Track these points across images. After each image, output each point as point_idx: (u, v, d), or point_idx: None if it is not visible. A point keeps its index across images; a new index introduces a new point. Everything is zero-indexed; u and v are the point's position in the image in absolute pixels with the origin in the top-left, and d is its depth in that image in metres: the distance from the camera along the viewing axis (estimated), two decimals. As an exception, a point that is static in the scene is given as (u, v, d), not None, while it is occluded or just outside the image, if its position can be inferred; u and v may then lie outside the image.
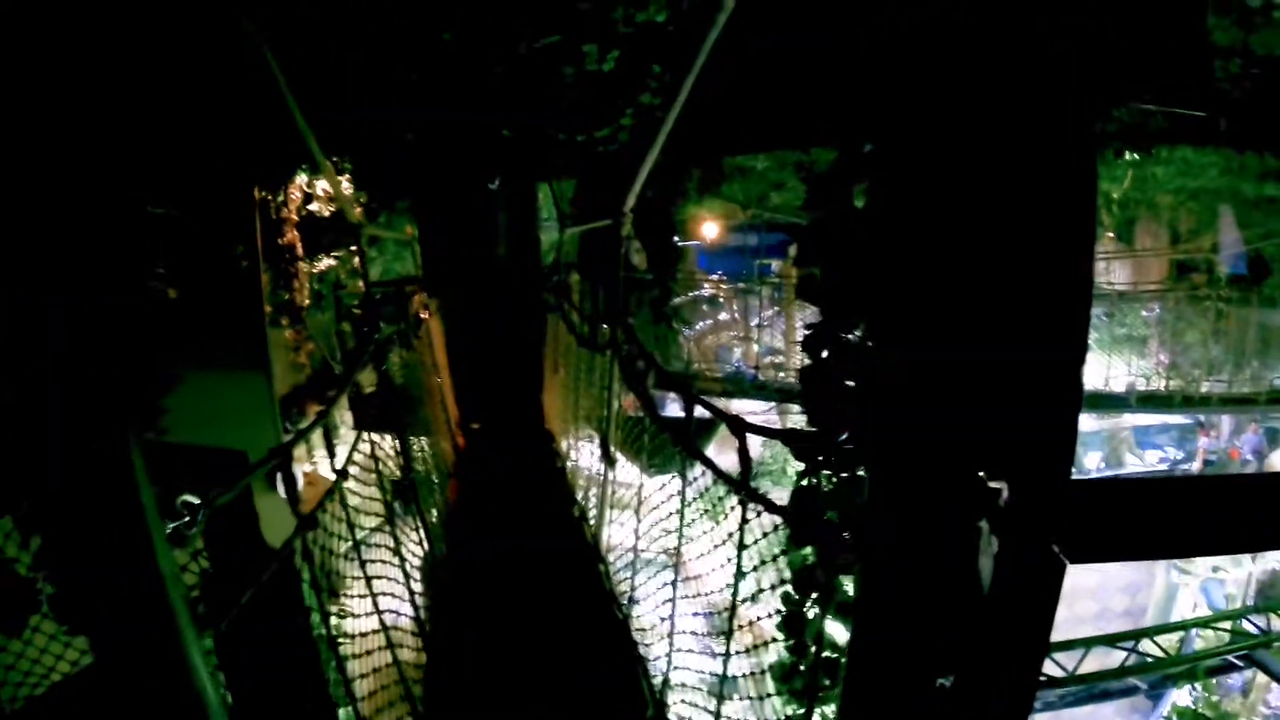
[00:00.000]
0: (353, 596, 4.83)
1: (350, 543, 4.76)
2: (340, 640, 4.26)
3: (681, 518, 5.32)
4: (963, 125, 2.31)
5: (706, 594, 5.49)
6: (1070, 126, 2.22)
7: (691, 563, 5.36)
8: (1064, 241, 2.25)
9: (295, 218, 12.75)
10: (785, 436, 3.30)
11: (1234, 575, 21.86)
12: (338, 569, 4.50)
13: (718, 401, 6.42)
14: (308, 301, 13.31)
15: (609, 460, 7.36)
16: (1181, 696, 16.42)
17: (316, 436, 4.73)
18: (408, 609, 6.27)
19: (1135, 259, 23.18)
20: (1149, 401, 18.05)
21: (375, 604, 5.16)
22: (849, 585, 3.42)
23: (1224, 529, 2.51)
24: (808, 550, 3.66)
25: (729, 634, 4.51)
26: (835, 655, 3.73)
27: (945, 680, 2.58)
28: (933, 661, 2.58)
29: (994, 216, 2.29)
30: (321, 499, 4.28)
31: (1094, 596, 21.44)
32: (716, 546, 4.53)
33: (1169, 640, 14.58)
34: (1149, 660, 14.14)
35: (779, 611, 4.42)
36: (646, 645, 6.31)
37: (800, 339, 3.06)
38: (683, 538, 5.37)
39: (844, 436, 3.04)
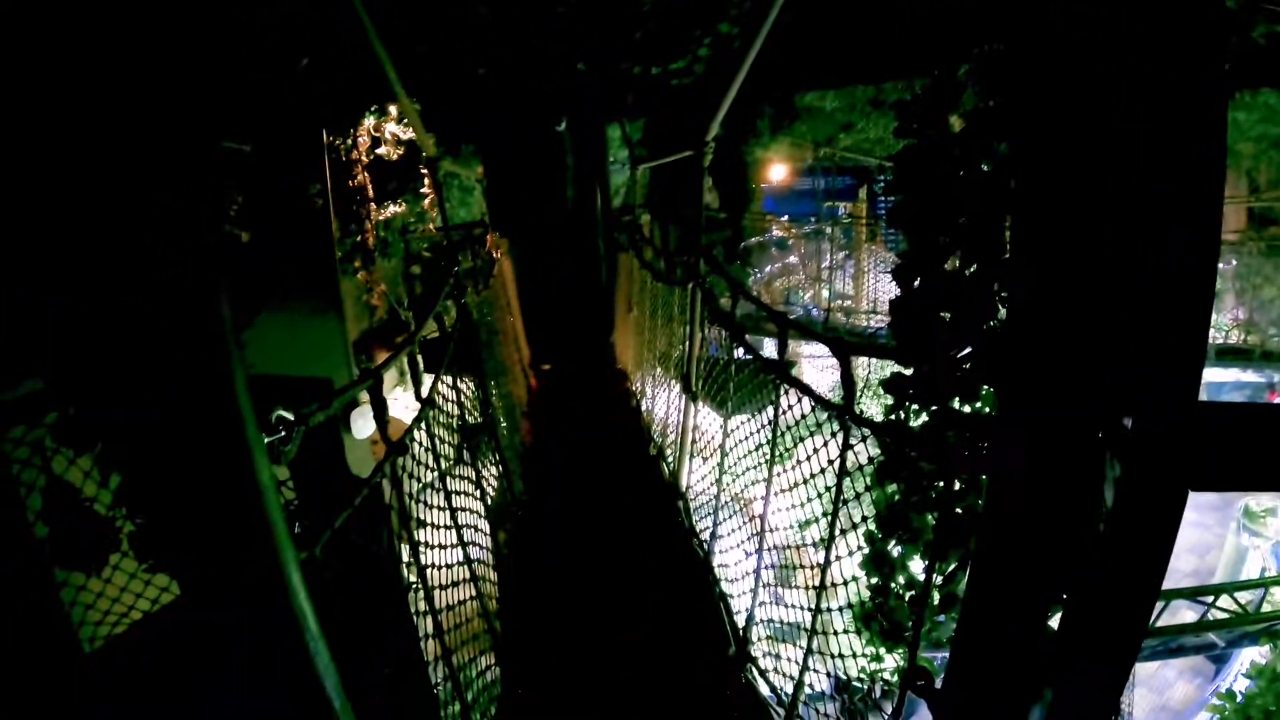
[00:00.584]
0: (439, 527, 4.79)
1: (436, 474, 4.72)
2: (427, 569, 4.22)
3: (773, 450, 5.21)
4: (1082, 59, 2.17)
5: (792, 533, 5.39)
6: (1201, 52, 2.06)
7: (779, 498, 5.25)
8: (1192, 169, 2.09)
9: (365, 159, 12.71)
10: (894, 355, 3.18)
11: (1306, 538, 21.47)
12: (425, 501, 4.45)
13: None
14: (377, 251, 13.32)
15: (691, 395, 7.25)
16: (1250, 659, 16.09)
17: (387, 378, 4.69)
18: (488, 544, 6.27)
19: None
20: (1227, 356, 17.63)
21: (460, 537, 5.13)
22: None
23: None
24: (894, 487, 3.58)
25: (824, 568, 4.43)
26: (917, 594, 3.63)
27: (1057, 612, 2.49)
28: (1049, 595, 2.49)
29: (1117, 154, 2.15)
30: (410, 426, 4.23)
31: (1162, 557, 21.04)
32: (811, 476, 4.42)
33: (1241, 600, 14.39)
34: (1227, 616, 13.97)
35: (865, 550, 4.33)
36: (729, 583, 6.24)
37: (893, 269, 2.92)
38: (773, 470, 5.26)
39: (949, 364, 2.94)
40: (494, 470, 7.22)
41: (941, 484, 3.17)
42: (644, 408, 10.00)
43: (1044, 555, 2.45)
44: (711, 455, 6.48)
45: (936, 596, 3.54)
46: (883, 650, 4.35)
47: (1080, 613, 2.41)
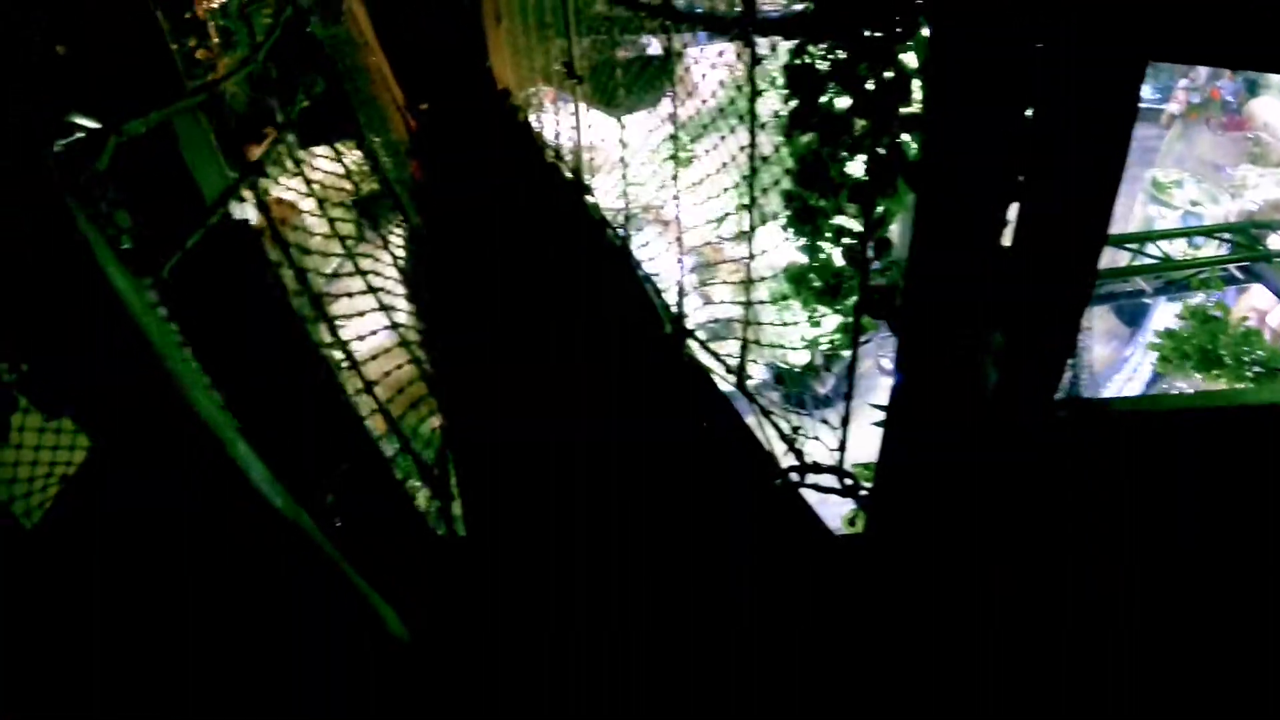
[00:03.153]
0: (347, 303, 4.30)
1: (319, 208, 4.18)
2: (334, 317, 3.76)
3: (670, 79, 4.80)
4: None
5: (712, 209, 5.08)
6: None
7: (696, 174, 4.90)
8: None
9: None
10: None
11: (1211, 211, 22.16)
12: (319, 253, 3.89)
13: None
14: (217, 40, 12.08)
15: (576, 80, 6.66)
16: (1167, 318, 16.61)
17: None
18: (402, 301, 5.88)
19: None
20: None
21: (359, 269, 4.67)
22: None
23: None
24: (810, 138, 3.39)
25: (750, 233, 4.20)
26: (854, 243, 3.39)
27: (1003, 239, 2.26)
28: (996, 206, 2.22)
29: None
30: (267, 148, 3.62)
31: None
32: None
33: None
34: (1157, 260, 14.32)
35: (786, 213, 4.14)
36: (652, 264, 5.97)
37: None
38: (678, 144, 4.86)
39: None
40: (398, 232, 6.71)
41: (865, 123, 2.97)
42: (533, 121, 9.46)
43: (985, 162, 2.16)
44: (613, 145, 6.05)
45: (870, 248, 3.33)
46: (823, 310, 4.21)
47: (1032, 220, 2.15)
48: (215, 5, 11.94)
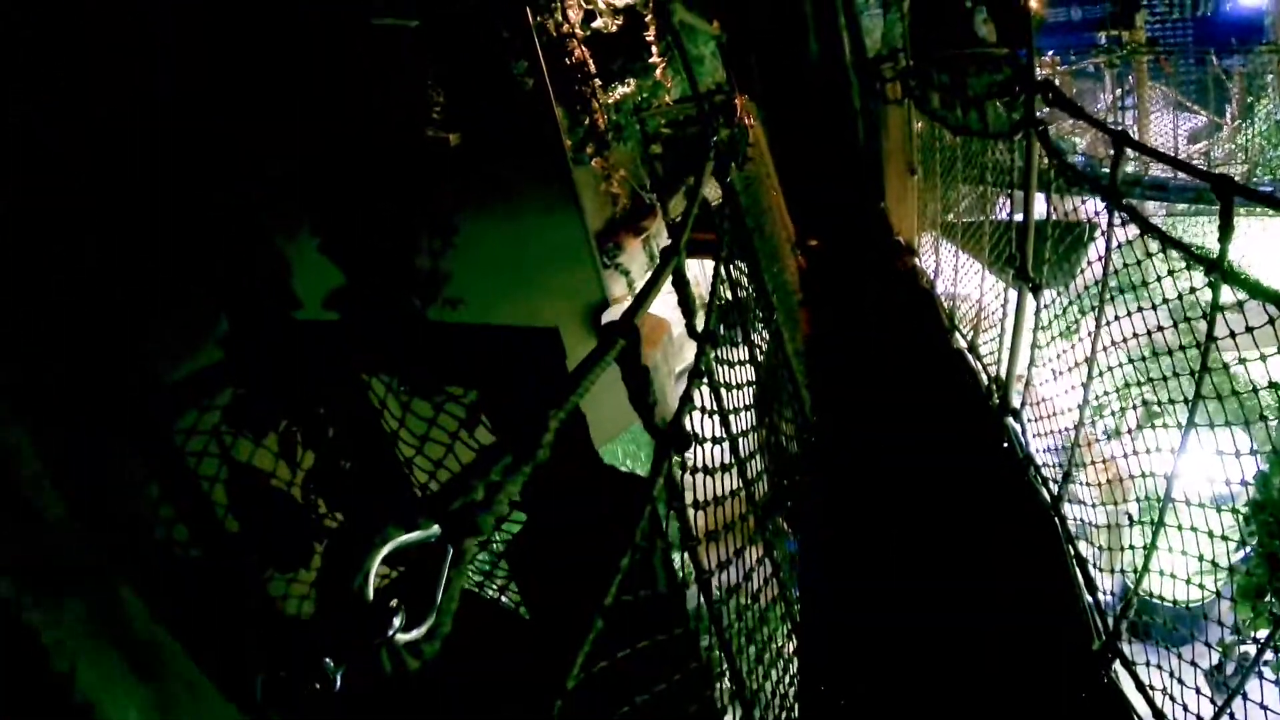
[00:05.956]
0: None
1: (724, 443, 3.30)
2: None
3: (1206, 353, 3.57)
4: None
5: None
6: None
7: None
8: None
9: (581, 33, 11.32)
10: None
11: None
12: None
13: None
14: (610, 135, 12.01)
15: (1031, 286, 5.37)
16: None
17: (636, 267, 3.41)
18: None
19: None
20: None
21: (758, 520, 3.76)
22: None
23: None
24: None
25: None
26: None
27: None
28: None
29: None
30: (688, 388, 2.70)
31: None
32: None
33: None
34: None
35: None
36: (1091, 543, 4.64)
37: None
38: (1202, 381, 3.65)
39: None
40: (785, 393, 5.80)
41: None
42: (939, 290, 8.44)
43: None
44: (1071, 367, 4.83)
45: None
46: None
47: None
48: (611, 102, 11.93)
